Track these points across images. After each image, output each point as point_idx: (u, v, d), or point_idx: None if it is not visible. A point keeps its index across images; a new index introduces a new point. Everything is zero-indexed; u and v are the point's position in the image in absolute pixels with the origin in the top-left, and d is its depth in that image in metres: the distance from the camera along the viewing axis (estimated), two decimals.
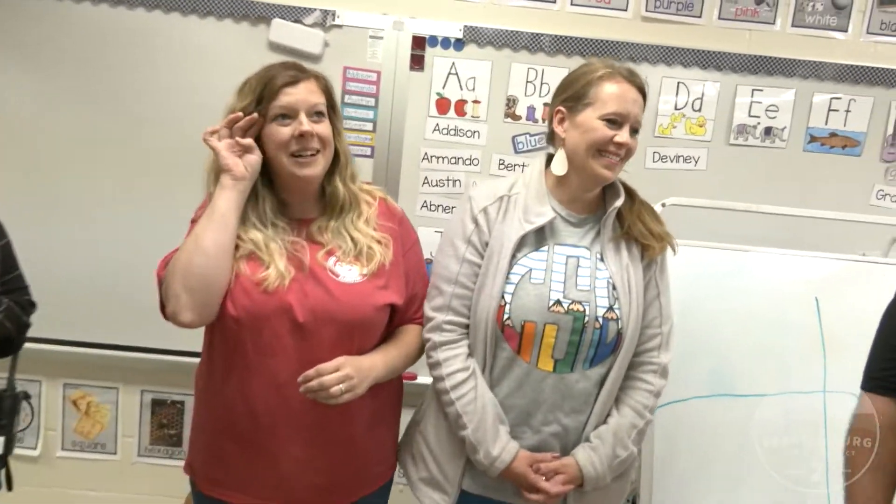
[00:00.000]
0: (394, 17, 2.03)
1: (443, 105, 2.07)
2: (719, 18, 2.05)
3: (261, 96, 1.24)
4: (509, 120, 2.08)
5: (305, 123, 1.25)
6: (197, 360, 1.40)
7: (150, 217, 2.05)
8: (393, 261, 1.36)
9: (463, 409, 1.31)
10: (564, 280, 1.33)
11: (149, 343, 2.14)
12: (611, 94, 1.30)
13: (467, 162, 2.10)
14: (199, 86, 2.03)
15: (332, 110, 1.32)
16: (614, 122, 1.29)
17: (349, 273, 1.31)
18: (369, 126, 2.07)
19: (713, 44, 2.05)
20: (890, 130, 2.07)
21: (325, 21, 2.03)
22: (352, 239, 1.33)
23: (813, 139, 2.08)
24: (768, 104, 2.06)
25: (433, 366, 1.37)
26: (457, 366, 1.33)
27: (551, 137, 1.44)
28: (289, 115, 1.25)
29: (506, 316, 1.31)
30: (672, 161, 2.09)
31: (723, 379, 1.67)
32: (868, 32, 2.05)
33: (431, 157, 2.09)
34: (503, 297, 1.32)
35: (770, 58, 2.03)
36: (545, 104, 2.06)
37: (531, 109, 2.07)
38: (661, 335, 1.39)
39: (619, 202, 1.36)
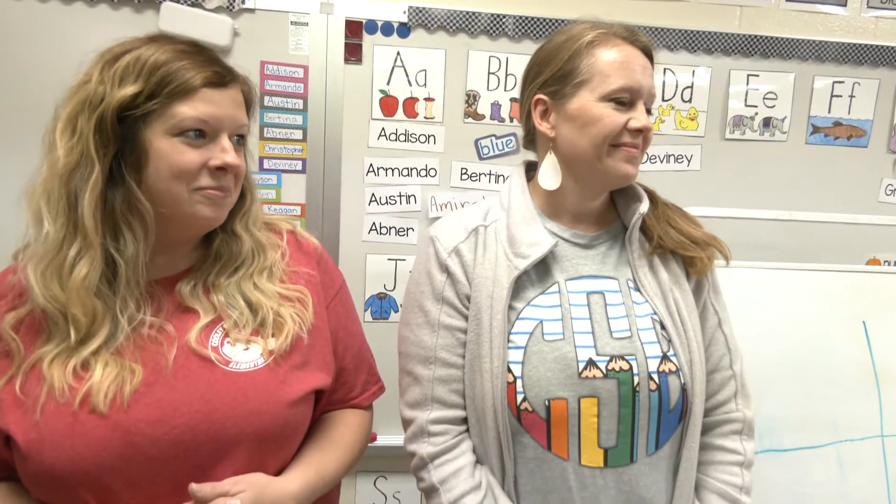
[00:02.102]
0: None
1: (389, 105, 1.67)
2: None
3: (156, 89, 0.80)
4: (470, 120, 1.70)
5: (230, 153, 0.84)
6: None
7: None
8: (313, 324, 0.93)
9: None
10: (593, 328, 0.95)
11: None
12: (611, 62, 0.94)
13: (423, 173, 1.70)
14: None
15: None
16: (622, 101, 0.94)
17: (245, 355, 0.87)
18: (298, 134, 1.65)
19: (701, 23, 1.75)
20: None
21: (233, 3, 1.59)
22: (248, 303, 0.90)
23: (816, 129, 1.81)
24: (766, 91, 1.78)
25: (427, 492, 0.96)
26: (463, 486, 0.93)
27: (531, 138, 1.07)
28: (203, 132, 0.83)
29: (520, 397, 0.92)
30: (662, 162, 1.77)
31: (764, 431, 1.34)
32: (869, 6, 1.80)
33: (378, 168, 1.69)
34: (510, 369, 0.93)
35: (764, 37, 1.75)
36: (513, 99, 1.70)
37: (496, 106, 1.70)
38: (734, 378, 1.03)
39: (644, 206, 1.00)
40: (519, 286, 0.96)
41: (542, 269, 0.98)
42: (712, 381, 1.02)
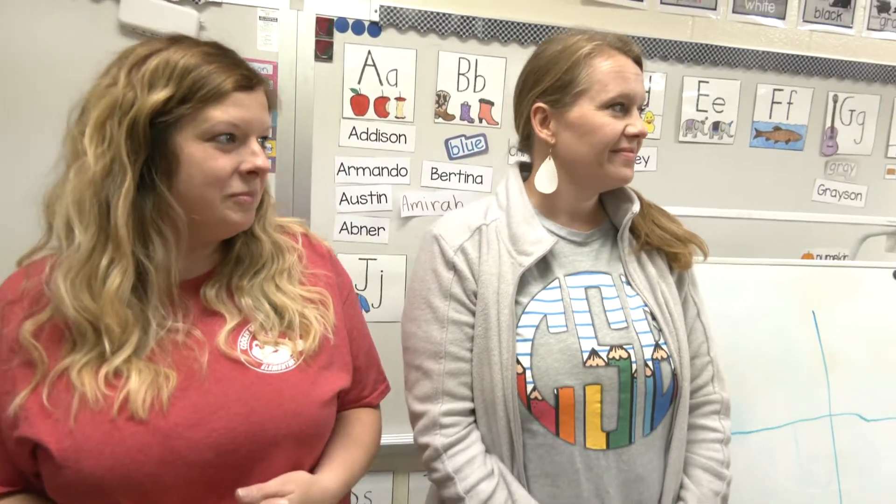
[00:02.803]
0: None
1: (360, 104, 1.67)
2: (661, 3, 1.84)
3: (187, 94, 0.78)
4: (441, 120, 1.72)
5: (261, 156, 0.83)
6: None
7: None
8: (335, 326, 0.94)
9: None
10: (592, 320, 1.00)
11: None
12: (608, 73, 0.99)
13: (393, 172, 1.71)
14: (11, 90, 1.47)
15: None
16: (619, 108, 0.99)
17: (275, 357, 0.86)
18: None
19: (657, 31, 1.84)
20: (829, 123, 1.98)
21: None
22: (272, 306, 0.89)
23: (758, 133, 1.94)
24: (715, 97, 1.89)
25: (441, 482, 0.97)
26: (477, 474, 0.95)
27: (528, 143, 1.11)
28: (233, 136, 0.81)
29: (530, 387, 0.95)
30: None
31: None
32: (804, 20, 1.94)
33: (349, 168, 1.68)
34: (518, 361, 0.96)
35: (714, 46, 1.86)
36: (482, 101, 1.73)
37: (465, 107, 1.73)
38: (711, 363, 1.10)
39: (636, 206, 1.06)
40: (522, 282, 0.99)
41: (542, 266, 1.01)
42: (693, 366, 1.08)
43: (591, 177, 1.03)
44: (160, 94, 0.77)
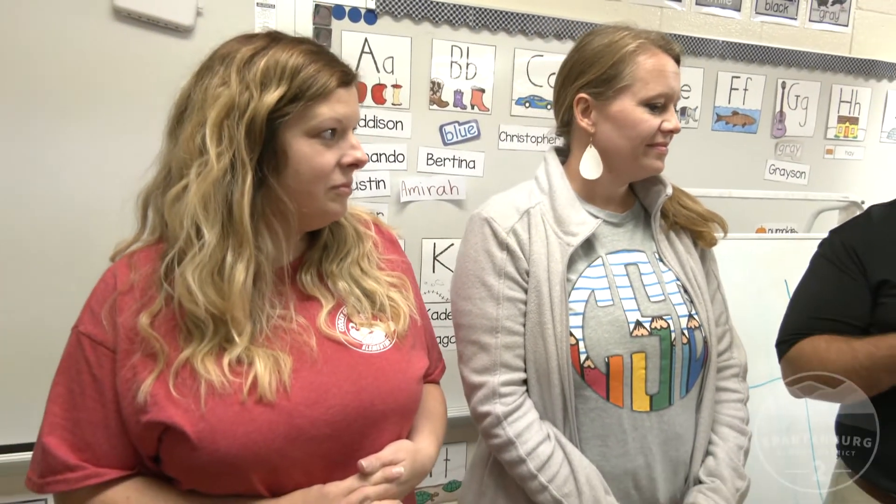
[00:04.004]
0: None
1: (358, 91, 1.68)
2: None
3: (298, 93, 0.80)
4: (435, 107, 1.77)
5: (360, 148, 0.86)
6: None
7: None
8: (417, 308, 1.01)
9: (560, 491, 1.01)
10: (634, 294, 1.09)
11: None
12: (651, 70, 1.06)
13: (391, 158, 1.74)
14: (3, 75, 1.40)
15: None
16: (657, 105, 1.07)
17: (372, 338, 0.91)
18: None
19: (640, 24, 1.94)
20: (778, 108, 2.17)
21: None
22: (362, 290, 0.94)
23: (719, 118, 2.10)
24: (682, 84, 2.02)
25: (502, 447, 1.04)
26: (536, 438, 1.03)
27: (566, 129, 1.18)
28: (335, 130, 0.84)
29: (583, 356, 1.04)
30: None
31: None
32: (757, 12, 2.11)
33: None
34: (571, 333, 1.04)
35: (680, 36, 1.99)
36: (475, 88, 1.79)
37: (458, 94, 1.78)
38: (729, 331, 1.22)
39: (669, 189, 1.16)
40: (570, 260, 1.07)
41: (586, 245, 1.09)
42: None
43: (626, 167, 1.11)
44: (274, 94, 0.79)
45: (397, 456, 0.87)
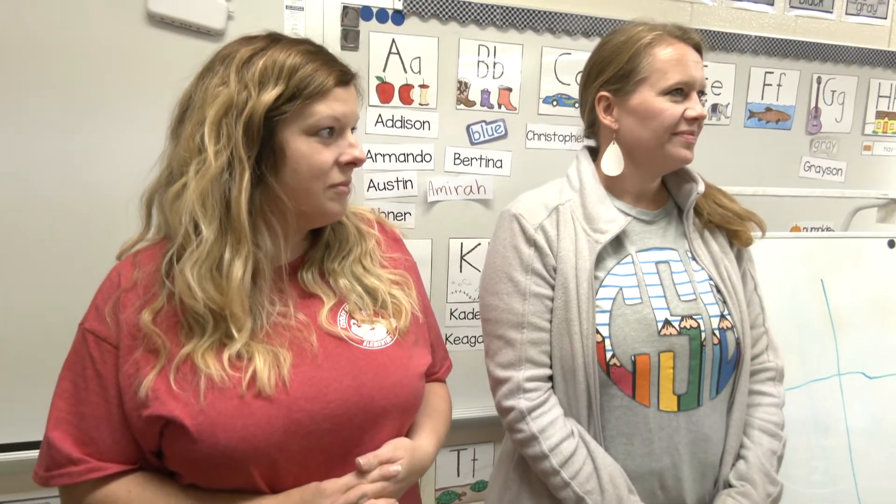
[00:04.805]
0: None
1: (385, 91, 1.70)
2: None
3: (295, 92, 0.82)
4: (462, 107, 1.77)
5: (358, 147, 0.88)
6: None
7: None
8: (420, 305, 1.02)
9: (583, 488, 1.01)
10: (664, 293, 1.08)
11: None
12: (668, 60, 1.07)
13: (418, 158, 1.75)
14: (44, 80, 1.44)
15: None
16: (678, 94, 1.07)
17: (373, 334, 0.92)
18: None
19: (658, 19, 1.91)
20: (813, 104, 2.12)
21: None
22: (364, 287, 0.95)
23: (752, 114, 2.06)
24: (714, 80, 2.00)
25: (525, 442, 1.04)
26: (559, 434, 1.03)
27: (593, 129, 1.18)
28: (334, 129, 0.86)
29: (609, 354, 1.03)
30: None
31: None
32: (791, 6, 2.07)
33: (376, 154, 1.71)
34: (597, 331, 1.03)
35: (712, 32, 1.96)
36: (501, 87, 1.79)
37: (485, 94, 1.78)
38: (766, 333, 1.20)
39: (701, 186, 1.14)
40: (598, 258, 1.06)
41: (615, 243, 1.09)
42: (750, 336, 1.17)
43: (652, 159, 1.10)
44: (271, 93, 0.80)
45: (395, 454, 0.87)
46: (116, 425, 0.82)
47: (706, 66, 1.93)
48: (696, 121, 1.08)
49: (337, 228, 0.96)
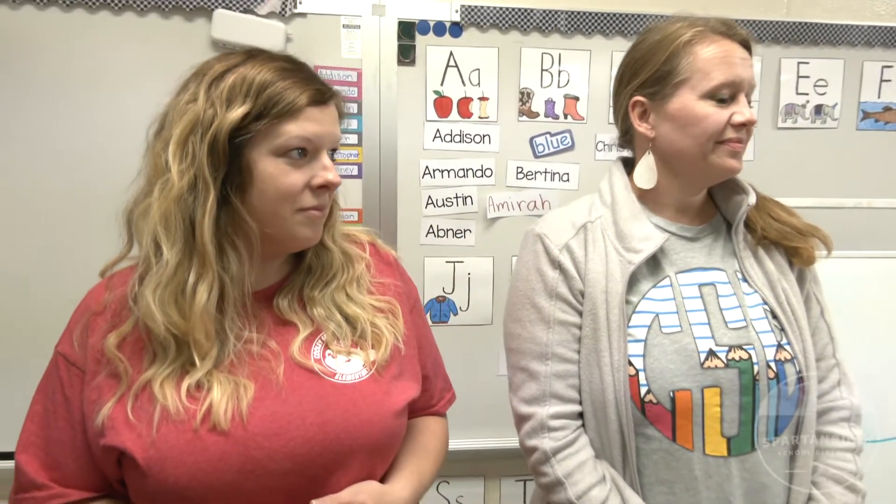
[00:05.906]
0: (372, 0, 1.61)
1: (443, 106, 1.66)
2: None
3: (263, 110, 0.78)
4: (525, 118, 1.69)
5: (332, 170, 0.82)
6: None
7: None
8: (405, 335, 0.93)
9: None
10: (708, 319, 0.94)
11: None
12: (711, 59, 0.93)
13: (479, 173, 1.69)
14: (112, 105, 1.54)
15: None
16: (723, 97, 0.93)
17: (348, 367, 0.85)
18: (353, 138, 1.63)
19: (749, 12, 1.74)
20: None
21: (285, 8, 1.58)
22: (344, 316, 0.88)
23: (867, 115, 1.81)
24: (816, 78, 1.77)
25: (550, 487, 0.94)
26: (588, 479, 0.91)
27: (627, 138, 1.06)
28: (305, 150, 0.81)
29: (643, 389, 0.91)
30: None
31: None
32: None
33: (434, 171, 1.67)
34: (630, 362, 0.91)
35: (813, 24, 1.74)
36: (567, 96, 1.69)
37: (550, 104, 1.69)
38: (837, 366, 1.02)
39: (751, 198, 1.00)
40: (632, 280, 0.95)
41: (652, 263, 0.97)
42: (818, 369, 1.00)
43: (694, 171, 0.97)
44: (238, 111, 0.77)
45: (356, 498, 0.79)
46: (80, 452, 0.80)
47: (806, 62, 1.74)
48: (745, 126, 0.94)
49: (321, 253, 0.90)
